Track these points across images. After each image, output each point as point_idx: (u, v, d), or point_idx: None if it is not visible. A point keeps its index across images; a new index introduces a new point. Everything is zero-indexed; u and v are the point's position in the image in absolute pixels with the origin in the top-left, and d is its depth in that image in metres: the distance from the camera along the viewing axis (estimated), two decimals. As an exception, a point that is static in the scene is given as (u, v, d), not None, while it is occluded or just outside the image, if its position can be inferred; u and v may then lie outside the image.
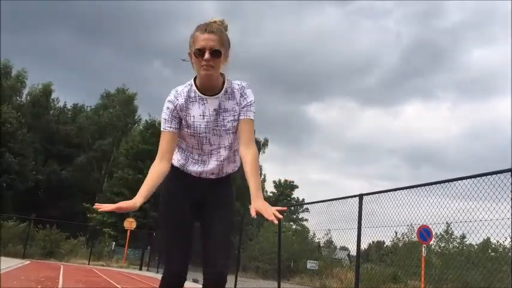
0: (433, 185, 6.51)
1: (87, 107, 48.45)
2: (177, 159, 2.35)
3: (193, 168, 2.32)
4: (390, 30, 69.53)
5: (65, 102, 48.07)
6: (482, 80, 67.56)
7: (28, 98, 42.67)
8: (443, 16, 68.34)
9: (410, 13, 69.73)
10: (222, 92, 2.27)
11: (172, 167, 2.28)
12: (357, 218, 7.53)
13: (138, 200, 2.02)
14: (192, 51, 2.20)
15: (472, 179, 5.78)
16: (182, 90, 2.28)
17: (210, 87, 2.25)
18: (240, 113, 2.28)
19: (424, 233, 9.42)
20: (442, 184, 6.37)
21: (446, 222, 6.65)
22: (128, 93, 46.05)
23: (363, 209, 7.48)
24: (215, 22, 2.24)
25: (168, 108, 2.24)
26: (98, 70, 67.13)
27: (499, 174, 5.33)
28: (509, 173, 5.08)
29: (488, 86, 68.55)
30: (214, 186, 2.32)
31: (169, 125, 2.23)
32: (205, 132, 2.25)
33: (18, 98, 41.89)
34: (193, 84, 2.28)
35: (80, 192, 39.64)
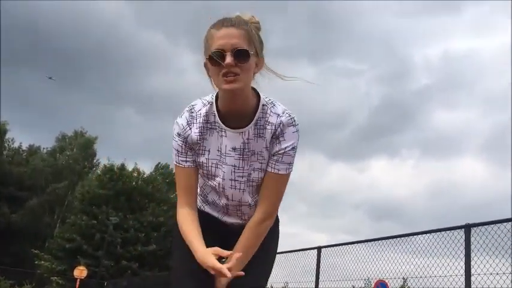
0: (391, 239, 6.58)
1: (44, 148, 47.31)
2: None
3: (212, 212, 1.73)
4: (361, 89, 72.33)
5: (21, 143, 46.78)
6: (445, 140, 70.78)
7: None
8: (412, 79, 71.87)
9: (381, 74, 73.01)
10: (252, 123, 1.56)
11: None
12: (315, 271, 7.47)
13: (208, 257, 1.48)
14: (207, 57, 1.53)
15: (428, 234, 5.89)
16: (200, 111, 1.60)
17: (235, 110, 1.55)
18: (268, 162, 1.60)
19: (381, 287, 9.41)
20: (399, 238, 6.45)
21: (403, 278, 6.67)
22: (87, 137, 45.29)
23: (323, 262, 7.44)
24: (238, 17, 1.56)
25: (179, 135, 1.61)
26: (63, 112, 65.85)
27: (453, 231, 5.45)
28: (463, 229, 5.19)
29: (450, 147, 71.82)
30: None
31: (185, 158, 1.61)
32: (221, 178, 1.62)
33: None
34: (215, 103, 1.59)
35: (29, 237, 37.86)
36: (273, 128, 1.56)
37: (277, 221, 1.78)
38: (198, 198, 1.74)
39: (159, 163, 42.51)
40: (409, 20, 71.01)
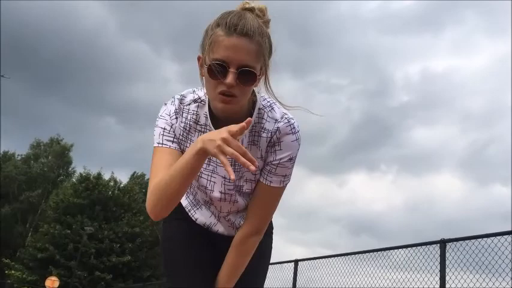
0: (367, 253, 6.60)
1: (18, 155, 46.35)
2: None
3: (199, 217, 1.53)
4: (342, 104, 73.45)
5: (-6, 149, 45.78)
6: (423, 156, 72.16)
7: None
8: (392, 96, 73.26)
9: (361, 90, 74.30)
10: (247, 130, 1.32)
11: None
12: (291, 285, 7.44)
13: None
14: (205, 60, 1.29)
15: (404, 249, 5.92)
16: (189, 106, 1.40)
17: (228, 117, 1.34)
18: (261, 172, 1.41)
19: (357, 302, 9.41)
20: (375, 253, 6.47)
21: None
22: (62, 144, 44.57)
23: (299, 275, 7.41)
24: (252, 10, 1.31)
25: (169, 115, 1.39)
26: (39, 119, 64.69)
27: (428, 246, 5.49)
28: (438, 245, 5.24)
29: (428, 163, 73.26)
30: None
31: (172, 139, 1.38)
32: (210, 190, 1.44)
33: None
34: (207, 105, 1.38)
35: (0, 246, 36.91)
36: (269, 135, 1.36)
37: (271, 228, 1.65)
38: (188, 200, 1.56)
39: (135, 172, 42.07)
40: (391, 37, 72.47)
